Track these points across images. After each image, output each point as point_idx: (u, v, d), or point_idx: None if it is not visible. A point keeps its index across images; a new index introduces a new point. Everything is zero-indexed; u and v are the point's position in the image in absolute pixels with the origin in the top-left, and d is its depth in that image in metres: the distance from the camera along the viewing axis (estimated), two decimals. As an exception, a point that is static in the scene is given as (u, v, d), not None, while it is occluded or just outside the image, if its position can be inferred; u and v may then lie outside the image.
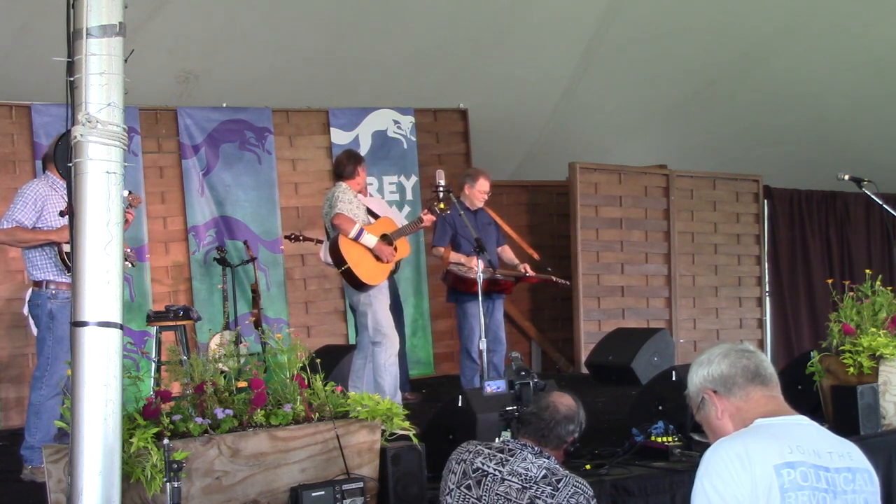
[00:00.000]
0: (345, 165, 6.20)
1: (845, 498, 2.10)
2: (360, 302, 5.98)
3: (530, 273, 6.90)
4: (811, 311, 11.15)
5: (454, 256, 6.60)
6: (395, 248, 6.07)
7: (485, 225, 6.84)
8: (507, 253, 7.06)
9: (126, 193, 5.59)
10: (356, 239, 5.86)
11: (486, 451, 3.22)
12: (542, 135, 9.56)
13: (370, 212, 6.24)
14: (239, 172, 8.01)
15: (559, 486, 3.10)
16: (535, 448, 3.23)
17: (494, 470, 3.15)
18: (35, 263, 4.83)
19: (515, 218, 9.31)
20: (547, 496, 3.06)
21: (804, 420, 2.22)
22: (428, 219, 6.25)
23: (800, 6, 8.18)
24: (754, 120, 9.77)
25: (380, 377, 5.83)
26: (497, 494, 3.10)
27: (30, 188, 4.87)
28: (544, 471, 3.14)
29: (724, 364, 2.27)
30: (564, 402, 3.38)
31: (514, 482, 3.11)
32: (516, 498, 3.09)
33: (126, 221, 5.19)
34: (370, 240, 5.89)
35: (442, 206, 6.19)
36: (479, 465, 3.17)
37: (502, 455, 3.20)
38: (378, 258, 5.92)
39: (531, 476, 3.12)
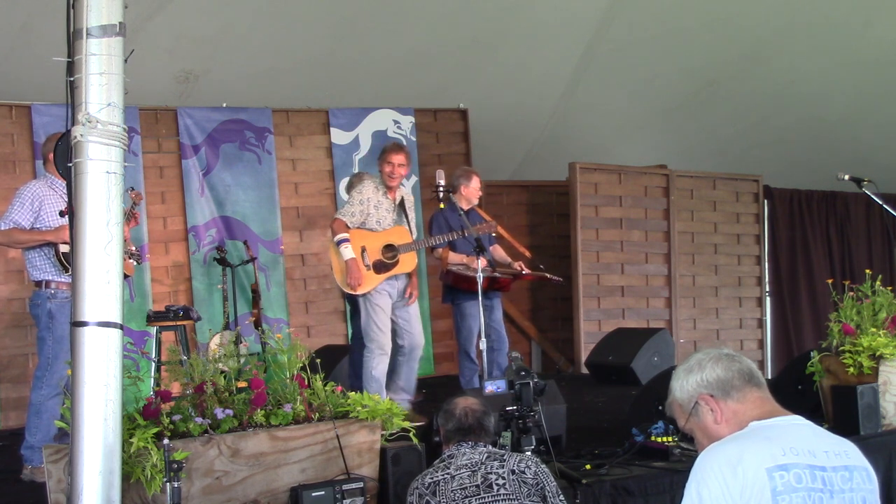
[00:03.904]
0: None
1: (843, 497, 2.09)
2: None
3: (526, 270, 6.91)
4: (811, 311, 11.15)
5: (454, 257, 6.58)
6: (398, 261, 5.85)
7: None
8: (498, 252, 7.06)
9: (129, 190, 5.62)
10: (337, 246, 5.76)
11: (430, 469, 3.38)
12: (542, 135, 9.56)
13: (401, 209, 5.94)
14: (239, 172, 8.01)
15: (505, 457, 3.31)
16: (469, 443, 3.41)
17: (442, 475, 3.29)
18: (34, 264, 4.83)
19: (515, 218, 9.32)
20: (497, 468, 3.25)
21: (799, 420, 2.21)
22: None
23: (800, 6, 8.19)
24: (754, 120, 9.77)
25: (367, 383, 5.71)
26: (452, 491, 3.22)
27: (27, 189, 4.87)
28: (486, 453, 3.34)
29: (719, 368, 2.27)
30: (470, 402, 3.55)
31: (462, 473, 3.27)
32: (469, 483, 3.22)
33: (134, 219, 5.23)
34: (346, 253, 5.68)
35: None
36: (429, 480, 3.30)
37: (443, 462, 3.36)
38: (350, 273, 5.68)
39: (476, 461, 3.30)
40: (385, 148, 6.03)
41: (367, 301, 5.79)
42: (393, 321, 5.89)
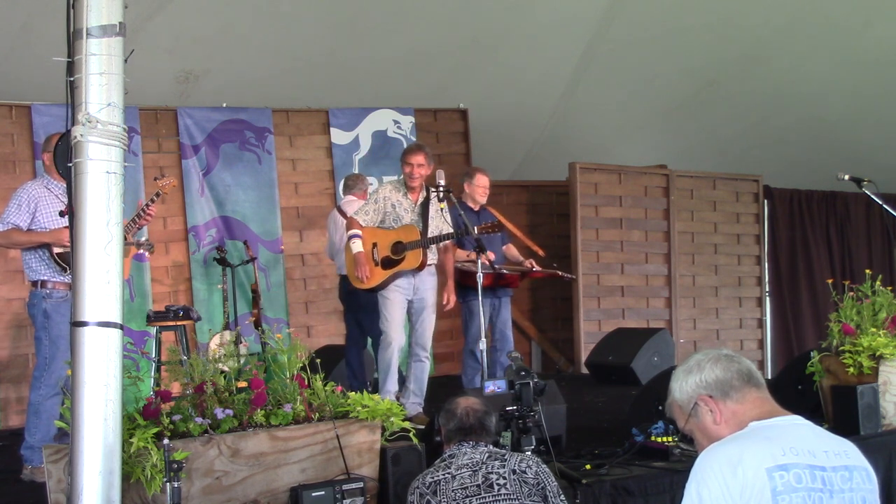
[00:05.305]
0: None
1: (843, 496, 2.09)
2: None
3: (536, 268, 6.92)
4: (811, 310, 11.15)
5: (460, 254, 6.59)
6: (405, 258, 5.86)
7: (488, 224, 6.82)
8: (511, 251, 7.11)
9: (157, 178, 5.62)
10: (349, 240, 5.85)
11: (431, 469, 3.37)
12: (542, 135, 9.56)
13: (424, 209, 5.93)
14: (239, 172, 8.02)
15: (506, 457, 3.31)
16: (470, 443, 3.40)
17: (443, 475, 3.28)
18: (30, 265, 4.86)
19: (515, 218, 9.30)
20: (498, 467, 3.24)
21: (799, 420, 2.21)
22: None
23: (800, 6, 8.19)
24: (754, 120, 9.78)
25: (378, 371, 5.88)
26: (453, 490, 3.21)
27: (23, 190, 4.90)
28: (487, 453, 3.34)
29: (718, 369, 2.27)
30: (472, 402, 3.55)
31: (463, 472, 3.26)
32: (470, 482, 3.22)
33: (149, 216, 5.26)
34: (355, 247, 5.81)
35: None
36: (430, 480, 3.29)
37: (444, 462, 3.35)
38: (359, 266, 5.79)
39: (477, 461, 3.29)
40: (405, 149, 6.12)
41: (380, 295, 5.91)
42: (407, 315, 5.99)
